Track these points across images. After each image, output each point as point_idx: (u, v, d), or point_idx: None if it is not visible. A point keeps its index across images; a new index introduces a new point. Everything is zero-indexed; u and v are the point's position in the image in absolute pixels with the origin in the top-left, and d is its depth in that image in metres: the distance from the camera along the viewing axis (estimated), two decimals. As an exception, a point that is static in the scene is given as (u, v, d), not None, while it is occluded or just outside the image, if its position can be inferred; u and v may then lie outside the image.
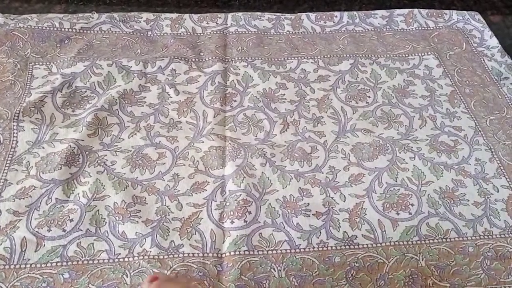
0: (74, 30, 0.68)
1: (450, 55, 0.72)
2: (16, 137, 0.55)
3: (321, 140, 0.59)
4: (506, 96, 0.65)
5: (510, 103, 0.64)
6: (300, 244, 0.48)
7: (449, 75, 0.68)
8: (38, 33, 0.66)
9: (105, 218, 0.49)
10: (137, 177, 0.52)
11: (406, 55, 0.71)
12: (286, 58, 0.69)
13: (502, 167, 0.56)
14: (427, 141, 0.59)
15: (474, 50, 0.73)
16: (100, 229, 0.48)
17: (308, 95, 0.64)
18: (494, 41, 0.74)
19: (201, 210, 0.50)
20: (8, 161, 0.52)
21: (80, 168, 0.52)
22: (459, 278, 0.47)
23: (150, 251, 0.47)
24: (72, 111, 0.58)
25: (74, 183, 0.51)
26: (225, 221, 0.50)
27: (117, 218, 0.49)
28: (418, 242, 0.49)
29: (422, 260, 0.48)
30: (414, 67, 0.69)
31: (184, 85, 0.63)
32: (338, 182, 0.54)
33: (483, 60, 0.72)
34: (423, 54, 0.71)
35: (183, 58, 0.66)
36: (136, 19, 0.71)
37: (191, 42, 0.69)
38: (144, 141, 0.56)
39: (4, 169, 0.52)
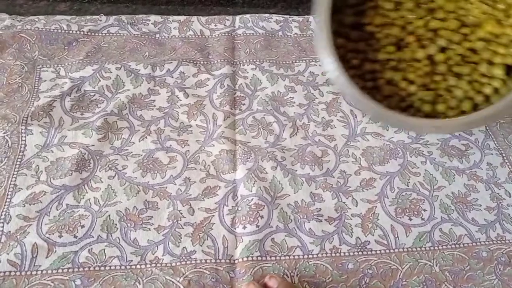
0: (82, 33, 0.67)
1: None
2: (25, 140, 0.54)
3: (331, 144, 0.58)
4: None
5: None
6: (312, 250, 0.48)
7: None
8: (45, 35, 0.65)
9: (116, 224, 0.48)
10: (148, 182, 0.52)
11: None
12: (294, 61, 0.68)
13: (513, 172, 0.56)
14: (438, 145, 0.59)
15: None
16: (111, 235, 0.47)
17: (317, 98, 0.64)
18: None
19: (213, 215, 0.50)
20: (17, 166, 0.52)
21: (91, 173, 0.52)
22: (473, 283, 0.47)
23: (163, 259, 0.46)
24: (81, 114, 0.58)
25: (85, 188, 0.51)
26: (237, 227, 0.49)
27: (128, 224, 0.48)
28: (432, 248, 0.49)
29: (436, 265, 0.47)
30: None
31: (194, 89, 0.62)
32: (350, 187, 0.54)
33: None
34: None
35: (191, 61, 0.66)
36: (144, 21, 0.71)
37: (200, 44, 0.69)
38: (155, 145, 0.55)
39: (13, 174, 0.51)
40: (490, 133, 0.60)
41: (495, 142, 0.59)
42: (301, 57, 0.69)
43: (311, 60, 0.68)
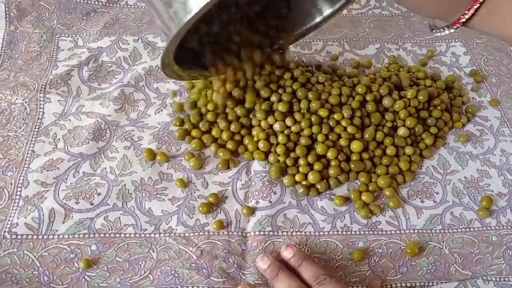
0: (100, 3, 0.67)
1: (477, 44, 0.71)
2: (43, 108, 0.55)
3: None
4: (532, 87, 0.64)
5: (537, 95, 0.63)
6: (324, 227, 0.49)
7: (476, 64, 0.67)
8: (64, 5, 0.66)
9: (131, 193, 0.49)
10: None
11: (433, 41, 0.70)
12: (311, 40, 0.68)
13: (527, 160, 0.56)
14: (452, 129, 0.58)
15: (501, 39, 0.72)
16: (126, 204, 0.48)
17: (333, 78, 0.63)
18: (522, 31, 0.73)
19: (227, 189, 0.51)
20: (35, 132, 0.53)
21: (108, 143, 0.53)
22: (481, 266, 0.47)
23: (176, 229, 0.47)
24: (98, 85, 0.59)
25: (101, 157, 0.51)
26: (250, 201, 0.50)
27: (143, 194, 0.49)
28: (442, 230, 0.49)
29: (446, 248, 0.48)
30: (441, 54, 0.68)
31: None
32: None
33: (510, 49, 0.71)
34: (450, 41, 0.70)
35: (208, 36, 0.65)
36: (162, -6, 0.70)
37: (217, 19, 0.69)
38: (170, 117, 0.56)
39: (32, 140, 0.52)
40: (505, 119, 0.60)
41: (510, 129, 0.59)
42: (318, 36, 0.68)
43: (328, 40, 0.68)
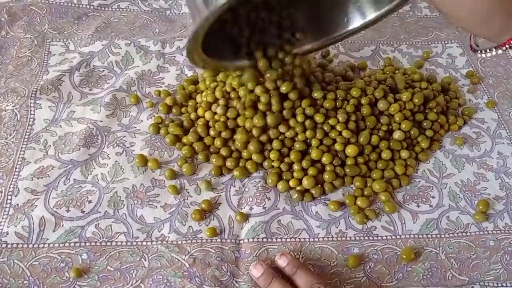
0: (92, 7, 0.67)
1: (474, 44, 0.70)
2: (33, 114, 0.54)
3: (341, 128, 0.58)
4: (530, 88, 0.64)
5: (534, 96, 0.63)
6: (318, 233, 0.48)
7: (472, 65, 0.67)
8: (55, 9, 0.65)
9: (123, 201, 0.48)
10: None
11: (429, 43, 0.69)
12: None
13: (524, 162, 0.55)
14: (448, 132, 0.58)
15: (498, 40, 0.72)
16: (118, 212, 0.48)
17: (328, 81, 0.63)
18: (519, 31, 0.72)
19: (220, 195, 0.50)
20: (26, 139, 0.52)
21: (99, 149, 0.52)
22: (478, 272, 0.46)
23: (169, 237, 0.46)
24: (90, 90, 0.58)
25: (92, 164, 0.51)
26: (244, 207, 0.49)
27: (135, 201, 0.48)
28: (438, 235, 0.49)
29: (442, 253, 0.47)
30: (437, 56, 0.68)
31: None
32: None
33: (507, 51, 0.70)
34: (446, 42, 0.70)
35: (202, 39, 0.65)
36: (154, -3, 0.70)
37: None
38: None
39: (22, 147, 0.51)
40: (502, 121, 0.60)
41: (507, 131, 0.59)
42: (313, 38, 0.68)
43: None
